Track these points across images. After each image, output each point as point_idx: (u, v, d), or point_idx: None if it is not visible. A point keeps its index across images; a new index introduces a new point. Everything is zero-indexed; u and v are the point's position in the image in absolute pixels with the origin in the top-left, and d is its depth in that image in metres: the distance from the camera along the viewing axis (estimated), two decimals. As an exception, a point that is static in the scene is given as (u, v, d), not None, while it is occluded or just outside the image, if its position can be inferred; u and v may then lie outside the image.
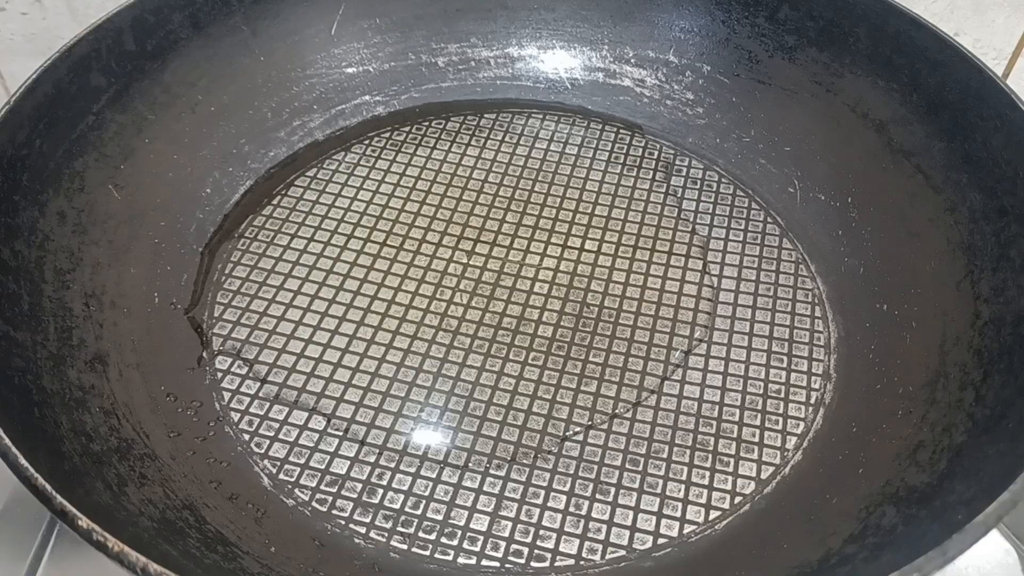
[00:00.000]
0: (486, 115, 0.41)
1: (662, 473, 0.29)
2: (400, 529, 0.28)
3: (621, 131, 0.41)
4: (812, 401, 0.31)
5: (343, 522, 0.28)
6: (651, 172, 0.39)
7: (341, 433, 0.30)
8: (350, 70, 0.41)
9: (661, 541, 0.28)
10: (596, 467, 0.29)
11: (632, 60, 0.42)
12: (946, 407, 0.28)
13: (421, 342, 0.32)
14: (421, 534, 0.28)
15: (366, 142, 0.40)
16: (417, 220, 0.37)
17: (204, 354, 0.32)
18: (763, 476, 0.29)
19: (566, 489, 0.29)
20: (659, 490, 0.29)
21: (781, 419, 0.31)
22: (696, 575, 0.27)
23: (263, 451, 0.29)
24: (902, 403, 0.29)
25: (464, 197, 0.38)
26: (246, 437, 0.30)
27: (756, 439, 0.30)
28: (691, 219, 0.37)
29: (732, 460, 0.30)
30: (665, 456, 0.30)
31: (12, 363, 0.26)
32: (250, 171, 0.38)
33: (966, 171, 0.32)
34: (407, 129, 0.40)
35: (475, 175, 0.38)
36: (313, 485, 0.29)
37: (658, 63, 0.41)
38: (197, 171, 0.36)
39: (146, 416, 0.29)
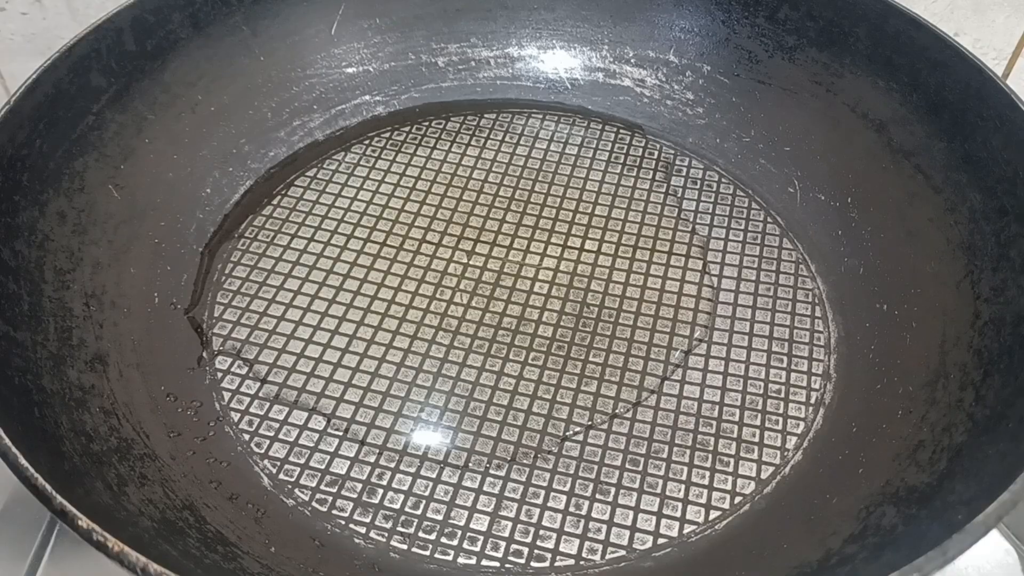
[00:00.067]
0: (486, 115, 0.41)
1: (662, 473, 0.29)
2: (400, 529, 0.28)
3: (621, 131, 0.41)
4: (812, 401, 0.31)
5: (343, 522, 0.28)
6: (651, 172, 0.39)
7: (341, 433, 0.30)
8: (350, 70, 0.41)
9: (661, 541, 0.28)
10: (596, 467, 0.29)
11: (632, 60, 0.42)
12: (946, 407, 0.28)
13: (421, 342, 0.32)
14: (421, 534, 0.28)
15: (366, 142, 0.40)
16: (417, 220, 0.37)
17: (204, 354, 0.32)
18: (763, 476, 0.29)
19: (566, 489, 0.29)
20: (659, 490, 0.29)
21: (781, 419, 0.31)
22: (696, 575, 0.27)
23: (263, 451, 0.29)
24: (902, 403, 0.29)
25: (464, 197, 0.38)
26: (246, 437, 0.30)
27: (756, 439, 0.30)
28: (691, 219, 0.37)
29: (732, 460, 0.30)
30: (665, 456, 0.30)
31: (12, 363, 0.26)
32: (250, 171, 0.38)
33: (966, 171, 0.32)
34: (407, 129, 0.40)
35: (475, 175, 0.38)
36: (313, 485, 0.29)
37: (658, 63, 0.41)
38: (197, 171, 0.36)
39: (146, 416, 0.29)
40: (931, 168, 0.33)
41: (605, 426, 0.30)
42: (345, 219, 0.36)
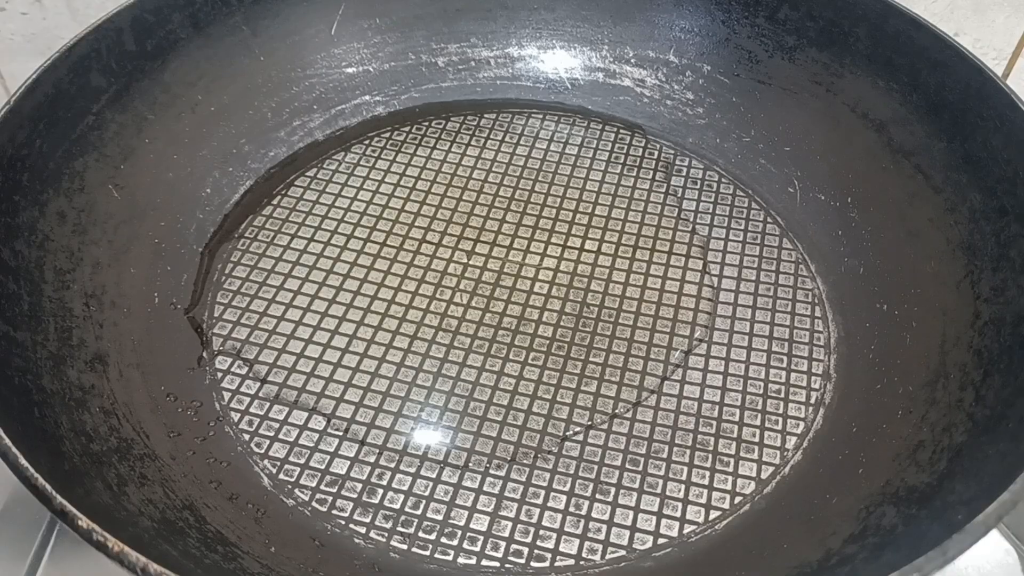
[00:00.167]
0: (486, 115, 0.41)
1: (662, 473, 0.29)
2: (400, 529, 0.28)
3: (621, 131, 0.41)
4: (812, 401, 0.31)
5: (343, 522, 0.28)
6: (651, 172, 0.39)
7: (341, 433, 0.30)
8: (350, 70, 0.41)
9: (661, 541, 0.28)
10: (596, 467, 0.29)
11: (632, 60, 0.42)
12: (946, 407, 0.28)
13: (421, 342, 0.32)
14: (421, 534, 0.28)
15: (366, 142, 0.40)
16: (417, 220, 0.37)
17: (204, 354, 0.32)
18: (763, 476, 0.29)
19: (566, 489, 0.29)
20: (659, 490, 0.29)
21: (781, 419, 0.31)
22: (696, 575, 0.27)
23: (263, 451, 0.29)
24: (902, 403, 0.29)
25: (464, 197, 0.38)
26: (246, 437, 0.30)
27: (756, 439, 0.30)
28: (691, 219, 0.37)
29: (732, 460, 0.30)
30: (665, 456, 0.30)
31: (12, 363, 0.26)
32: (250, 171, 0.38)
33: (966, 171, 0.32)
34: (407, 129, 0.40)
35: (475, 175, 0.38)
36: (313, 485, 0.29)
37: (658, 63, 0.41)
38: (197, 171, 0.36)
39: (146, 416, 0.29)
40: (931, 168, 0.33)
41: (605, 426, 0.30)
42: (345, 219, 0.36)
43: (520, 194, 0.38)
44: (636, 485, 0.29)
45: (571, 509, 0.28)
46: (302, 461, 0.29)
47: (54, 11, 0.42)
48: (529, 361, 0.32)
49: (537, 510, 0.28)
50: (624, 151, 0.40)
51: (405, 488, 0.29)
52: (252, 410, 0.30)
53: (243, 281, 0.34)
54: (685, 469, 0.29)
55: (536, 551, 0.28)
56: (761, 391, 0.31)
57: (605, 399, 0.31)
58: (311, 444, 0.30)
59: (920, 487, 0.26)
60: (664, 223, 0.37)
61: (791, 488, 0.29)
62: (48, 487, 0.21)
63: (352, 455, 0.29)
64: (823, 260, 0.35)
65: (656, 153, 0.40)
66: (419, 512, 0.28)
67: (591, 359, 0.32)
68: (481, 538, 0.28)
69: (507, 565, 0.27)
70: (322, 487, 0.29)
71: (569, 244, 0.36)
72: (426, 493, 0.29)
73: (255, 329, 0.33)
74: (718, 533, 0.28)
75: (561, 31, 0.42)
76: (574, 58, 0.42)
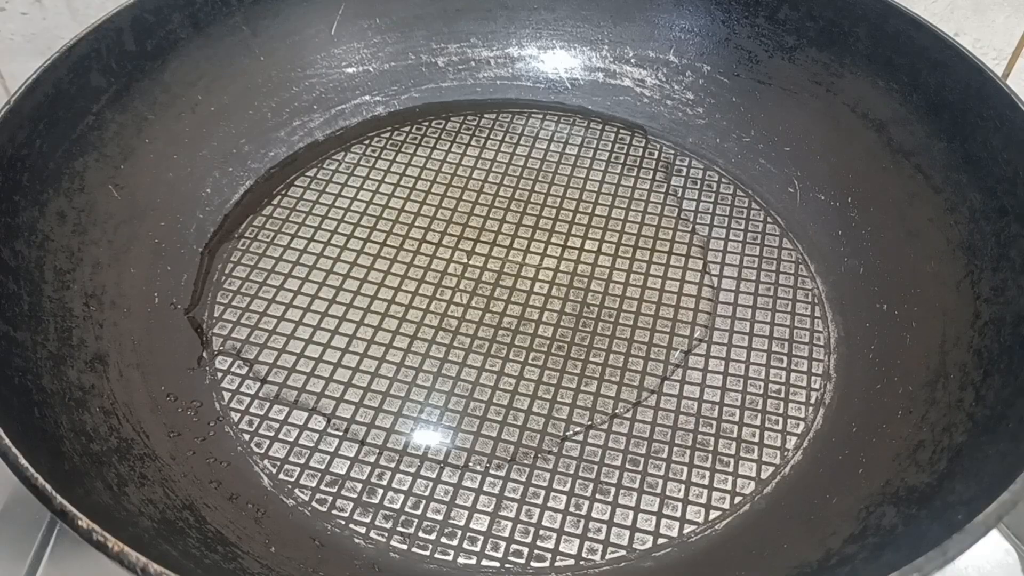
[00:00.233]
0: (486, 115, 0.41)
1: (662, 473, 0.29)
2: (400, 529, 0.28)
3: (621, 131, 0.41)
4: (812, 401, 0.31)
5: (343, 522, 0.28)
6: (651, 172, 0.39)
7: (341, 433, 0.30)
8: (350, 70, 0.41)
9: (661, 541, 0.28)
10: (596, 467, 0.29)
11: (632, 60, 0.42)
12: (946, 407, 0.28)
13: (421, 342, 0.32)
14: (421, 534, 0.28)
15: (366, 142, 0.40)
16: (417, 220, 0.37)
17: (204, 354, 0.32)
18: (763, 476, 0.29)
19: (566, 489, 0.29)
20: (659, 490, 0.29)
21: (781, 419, 0.31)
22: (696, 575, 0.27)
23: (263, 451, 0.29)
24: (902, 403, 0.29)
25: (464, 197, 0.38)
26: (246, 437, 0.30)
27: (756, 439, 0.30)
28: (691, 219, 0.37)
29: (732, 460, 0.30)
30: (665, 456, 0.30)
31: (12, 363, 0.26)
32: (250, 171, 0.38)
33: (966, 171, 0.32)
34: (407, 129, 0.40)
35: (475, 175, 0.38)
36: (313, 485, 0.29)
37: (658, 63, 0.41)
38: (197, 171, 0.36)
39: (146, 416, 0.29)
40: (931, 168, 0.33)
41: (605, 426, 0.30)
42: (345, 219, 0.36)
43: (520, 194, 0.38)
44: (636, 485, 0.29)
45: (571, 509, 0.28)
46: (302, 461, 0.29)
47: (54, 11, 0.42)
48: (529, 361, 0.32)
49: (537, 510, 0.28)
50: (624, 151, 0.40)
51: (405, 488, 0.29)
52: (252, 410, 0.30)
53: (243, 281, 0.34)
54: (685, 469, 0.29)
55: (536, 551, 0.28)
56: (761, 391, 0.31)
57: (605, 399, 0.31)
58: (311, 444, 0.30)
59: (920, 487, 0.26)
60: (664, 223, 0.37)
61: (791, 488, 0.29)
62: (48, 487, 0.21)
63: (352, 455, 0.29)
64: (823, 260, 0.35)
65: (656, 153, 0.40)
66: (419, 512, 0.28)
67: (591, 359, 0.32)
68: (481, 538, 0.28)
69: (507, 565, 0.27)
70: (322, 487, 0.29)
71: (569, 244, 0.36)
72: (426, 493, 0.29)
73: (255, 329, 0.33)
74: (718, 533, 0.28)
75: (561, 31, 0.42)
76: (574, 58, 0.42)
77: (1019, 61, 0.47)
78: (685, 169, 0.39)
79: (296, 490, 0.29)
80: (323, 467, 0.29)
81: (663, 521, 0.28)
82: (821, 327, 0.33)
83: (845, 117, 0.37)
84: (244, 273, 0.34)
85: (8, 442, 0.22)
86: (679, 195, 0.38)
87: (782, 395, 0.31)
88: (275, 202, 0.37)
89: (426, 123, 0.41)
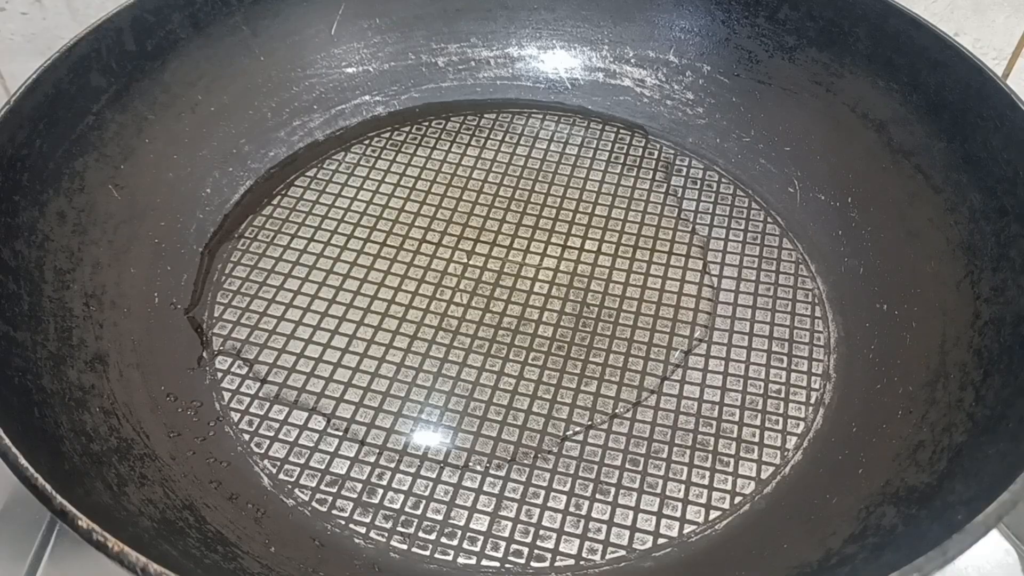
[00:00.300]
0: (486, 115, 0.41)
1: (662, 473, 0.29)
2: (400, 529, 0.28)
3: (621, 131, 0.41)
4: (812, 401, 0.31)
5: (343, 522, 0.28)
6: (651, 172, 0.39)
7: (341, 433, 0.30)
8: (350, 70, 0.41)
9: (661, 541, 0.28)
10: (596, 467, 0.29)
11: (632, 60, 0.42)
12: (946, 407, 0.28)
13: (421, 342, 0.32)
14: (421, 534, 0.28)
15: (366, 142, 0.40)
16: (417, 220, 0.37)
17: (204, 354, 0.32)
18: (763, 476, 0.29)
19: (566, 489, 0.29)
20: (659, 490, 0.29)
21: (781, 419, 0.31)
22: (696, 575, 0.27)
23: (263, 451, 0.29)
24: (902, 403, 0.29)
25: (464, 197, 0.38)
26: (246, 437, 0.30)
27: (756, 439, 0.30)
28: (691, 219, 0.37)
29: (732, 460, 0.30)
30: (665, 456, 0.30)
31: (12, 363, 0.26)
32: (250, 171, 0.38)
33: (966, 171, 0.32)
34: (407, 129, 0.40)
35: (475, 175, 0.38)
36: (313, 485, 0.29)
37: (658, 63, 0.41)
38: (197, 171, 0.36)
39: (146, 416, 0.29)
40: (931, 168, 0.33)
41: (605, 426, 0.30)
42: (345, 219, 0.36)
43: (520, 194, 0.38)
44: (636, 485, 0.29)
45: (571, 509, 0.28)
46: (302, 461, 0.29)
47: (54, 11, 0.42)
48: (529, 361, 0.32)
49: (537, 510, 0.28)
50: (624, 151, 0.40)
51: (405, 488, 0.29)
52: (252, 410, 0.30)
53: (243, 281, 0.34)
54: (685, 469, 0.29)
55: (536, 551, 0.28)
56: (761, 391, 0.31)
57: (605, 399, 0.31)
58: (311, 444, 0.30)
59: (920, 487, 0.26)
60: (664, 223, 0.37)
61: (791, 488, 0.29)
62: (48, 487, 0.21)
63: (352, 455, 0.29)
64: (823, 260, 0.35)
65: (656, 153, 0.40)
66: (419, 512, 0.28)
67: (591, 359, 0.32)
68: (481, 538, 0.28)
69: (507, 565, 0.27)
70: (322, 487, 0.29)
71: (569, 244, 0.36)
72: (426, 493, 0.29)
73: (255, 329, 0.33)
74: (718, 533, 0.28)
75: (561, 31, 0.42)
76: (574, 58, 0.42)
77: (1019, 61, 0.47)
78: (685, 169, 0.39)
79: (296, 490, 0.29)
80: (323, 467, 0.29)
81: (663, 521, 0.28)
82: (821, 327, 0.33)
83: (845, 117, 0.37)
84: (244, 273, 0.34)
85: (8, 442, 0.22)
86: (679, 195, 0.38)
87: (782, 395, 0.31)
88: (275, 202, 0.37)
89: (426, 123, 0.41)
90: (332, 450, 0.30)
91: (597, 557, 0.27)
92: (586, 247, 0.36)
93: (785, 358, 0.32)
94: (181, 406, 0.30)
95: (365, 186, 0.38)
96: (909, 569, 0.21)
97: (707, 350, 0.33)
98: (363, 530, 0.28)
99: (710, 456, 0.30)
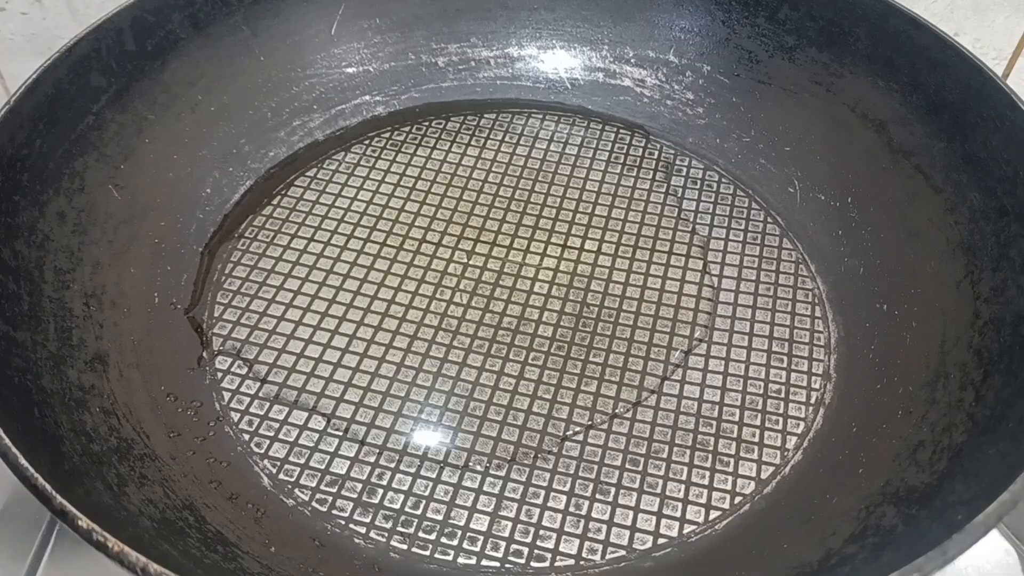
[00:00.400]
0: (486, 115, 0.41)
1: (662, 473, 0.29)
2: (400, 529, 0.28)
3: (621, 131, 0.41)
4: (812, 401, 0.31)
5: (343, 522, 0.28)
6: (651, 172, 0.39)
7: (341, 433, 0.30)
8: (350, 70, 0.41)
9: (661, 541, 0.28)
10: (596, 467, 0.29)
11: (632, 60, 0.42)
12: (946, 407, 0.28)
13: (421, 342, 0.32)
14: (421, 534, 0.28)
15: (366, 142, 0.40)
16: (417, 220, 0.37)
17: (204, 354, 0.32)
18: (763, 476, 0.29)
19: (566, 489, 0.29)
20: (659, 490, 0.29)
21: (781, 419, 0.31)
22: (696, 575, 0.27)
23: (263, 451, 0.29)
24: (902, 403, 0.29)
25: (464, 197, 0.38)
26: (246, 437, 0.30)
27: (756, 439, 0.30)
28: (691, 219, 0.37)
29: (732, 460, 0.30)
30: (665, 456, 0.30)
31: (12, 363, 0.26)
32: (250, 171, 0.38)
33: (966, 171, 0.32)
34: (407, 129, 0.40)
35: (475, 175, 0.38)
36: (313, 485, 0.29)
37: (658, 63, 0.41)
38: (197, 171, 0.36)
39: (146, 416, 0.29)
40: (931, 168, 0.33)
41: (605, 426, 0.30)
42: (345, 219, 0.36)
43: (520, 194, 0.38)
44: (636, 485, 0.29)
45: (571, 509, 0.28)
46: (302, 461, 0.29)
47: (54, 11, 0.42)
48: (529, 361, 0.32)
49: (537, 510, 0.28)
50: (624, 151, 0.40)
51: (405, 488, 0.29)
52: (252, 410, 0.30)
53: (243, 281, 0.34)
54: (685, 469, 0.29)
55: (536, 551, 0.28)
56: (761, 391, 0.31)
57: (605, 399, 0.31)
58: (311, 444, 0.30)
59: (920, 487, 0.26)
60: (664, 223, 0.37)
61: (791, 488, 0.29)
62: (48, 487, 0.21)
63: (352, 455, 0.29)
64: (823, 260, 0.35)
65: (656, 153, 0.40)
66: (419, 512, 0.28)
67: (591, 359, 0.32)
68: (481, 538, 0.28)
69: (507, 565, 0.27)
70: (322, 487, 0.29)
71: (569, 244, 0.36)
72: (426, 493, 0.29)
73: (255, 329, 0.33)
74: (718, 533, 0.28)
75: (561, 31, 0.42)
76: (574, 58, 0.42)
77: (1019, 61, 0.47)
78: (685, 169, 0.39)
79: (296, 490, 0.29)
80: (323, 467, 0.29)
81: (663, 521, 0.28)
82: (821, 327, 0.33)
83: (845, 117, 0.37)
84: (244, 273, 0.34)
85: (8, 442, 0.22)
86: (679, 195, 0.38)
87: (782, 395, 0.31)
88: (275, 202, 0.37)
89: (426, 123, 0.41)
90: (332, 450, 0.30)
91: (597, 557, 0.27)
92: (586, 247, 0.36)
93: (785, 358, 0.32)
94: (181, 406, 0.30)
95: (365, 186, 0.38)
96: (909, 569, 0.21)
97: (707, 350, 0.33)
98: (363, 530, 0.28)
99: (710, 456, 0.30)
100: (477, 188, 0.38)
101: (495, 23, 0.42)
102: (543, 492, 0.29)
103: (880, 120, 0.36)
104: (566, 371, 0.32)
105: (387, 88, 0.41)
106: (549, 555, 0.28)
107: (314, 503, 0.28)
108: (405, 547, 0.28)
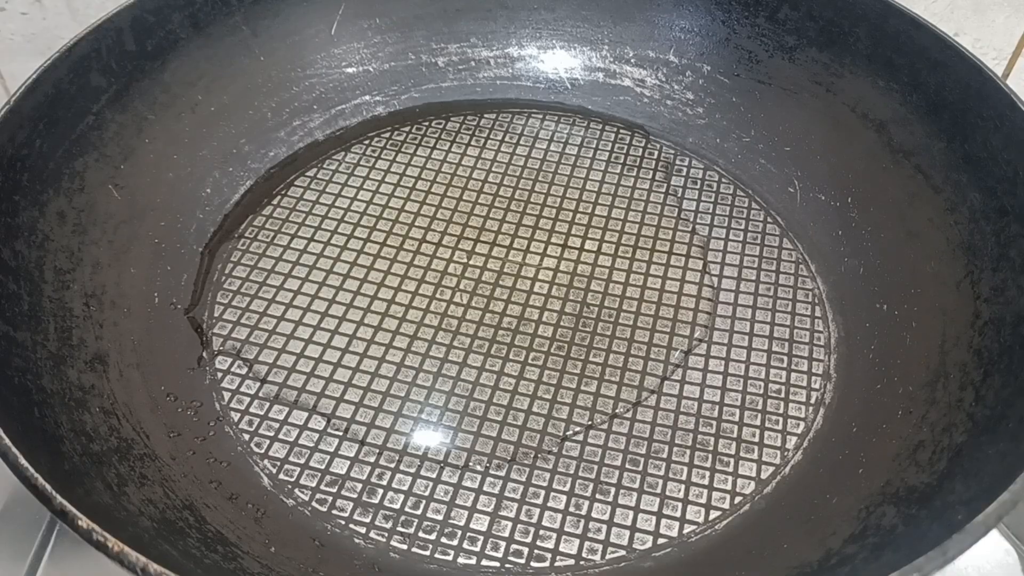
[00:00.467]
0: (486, 115, 0.41)
1: (662, 473, 0.29)
2: (400, 529, 0.28)
3: (621, 131, 0.41)
4: (812, 401, 0.31)
5: (343, 522, 0.28)
6: (651, 172, 0.39)
7: (341, 433, 0.30)
8: (350, 70, 0.41)
9: (661, 541, 0.28)
10: (596, 467, 0.29)
11: (632, 60, 0.42)
12: (946, 407, 0.28)
13: (421, 342, 0.32)
14: (421, 534, 0.28)
15: (366, 142, 0.40)
16: (417, 220, 0.37)
17: (204, 354, 0.32)
18: (763, 476, 0.29)
19: (566, 489, 0.29)
20: (659, 490, 0.29)
21: (781, 419, 0.31)
22: (696, 575, 0.27)
23: (263, 451, 0.29)
24: (902, 403, 0.29)
25: (464, 197, 0.38)
26: (246, 437, 0.30)
27: (756, 439, 0.30)
28: (691, 219, 0.37)
29: (732, 460, 0.30)
30: (665, 456, 0.30)
31: (12, 363, 0.26)
32: (250, 171, 0.38)
33: (966, 171, 0.32)
34: (407, 129, 0.40)
35: (475, 175, 0.38)
36: (313, 485, 0.29)
37: (658, 63, 0.41)
38: (197, 171, 0.36)
39: (146, 416, 0.29)
40: (931, 168, 0.33)
41: (605, 426, 0.30)
42: (345, 219, 0.36)
43: (520, 194, 0.38)
44: (636, 485, 0.29)
45: (571, 509, 0.28)
46: (302, 461, 0.29)
47: (54, 11, 0.42)
48: (529, 361, 0.32)
49: (537, 510, 0.28)
50: (624, 151, 0.40)
51: (405, 488, 0.29)
52: (252, 410, 0.30)
53: (243, 281, 0.34)
54: (685, 469, 0.29)
55: (536, 551, 0.28)
56: (761, 391, 0.31)
57: (605, 399, 0.31)
58: (311, 444, 0.30)
59: (920, 487, 0.26)
60: (664, 223, 0.37)
61: (791, 488, 0.29)
62: (48, 487, 0.21)
63: (352, 455, 0.29)
64: (823, 260, 0.35)
65: (656, 153, 0.40)
66: (419, 512, 0.28)
67: (591, 359, 0.32)
68: (481, 538, 0.28)
69: (507, 565, 0.27)
70: (322, 487, 0.29)
71: (569, 244, 0.36)
72: (426, 493, 0.29)
73: (255, 329, 0.33)
74: (718, 533, 0.28)
75: (561, 31, 0.42)
76: (574, 58, 0.42)
77: (1019, 61, 0.47)
78: (685, 169, 0.39)
79: (296, 490, 0.29)
80: (323, 467, 0.29)
81: (663, 521, 0.28)
82: (821, 327, 0.33)
83: (845, 117, 0.37)
84: (244, 273, 0.34)
85: (8, 442, 0.22)
86: (679, 195, 0.38)
87: (782, 395, 0.31)
88: (275, 202, 0.37)
89: (426, 123, 0.41)
90: (332, 450, 0.30)
91: (597, 557, 0.27)
92: (586, 247, 0.36)
93: (785, 358, 0.32)
94: (181, 406, 0.30)
95: (365, 186, 0.38)
96: (909, 569, 0.21)
97: (707, 350, 0.33)
98: (363, 530, 0.28)
99: (710, 456, 0.30)
100: (477, 188, 0.38)
101: (495, 23, 0.42)
102: (543, 492, 0.29)
103: (880, 120, 0.36)
104: (566, 371, 0.32)
105: (387, 88, 0.41)
106: (549, 555, 0.28)
107: (314, 503, 0.28)
108: (405, 547, 0.28)
